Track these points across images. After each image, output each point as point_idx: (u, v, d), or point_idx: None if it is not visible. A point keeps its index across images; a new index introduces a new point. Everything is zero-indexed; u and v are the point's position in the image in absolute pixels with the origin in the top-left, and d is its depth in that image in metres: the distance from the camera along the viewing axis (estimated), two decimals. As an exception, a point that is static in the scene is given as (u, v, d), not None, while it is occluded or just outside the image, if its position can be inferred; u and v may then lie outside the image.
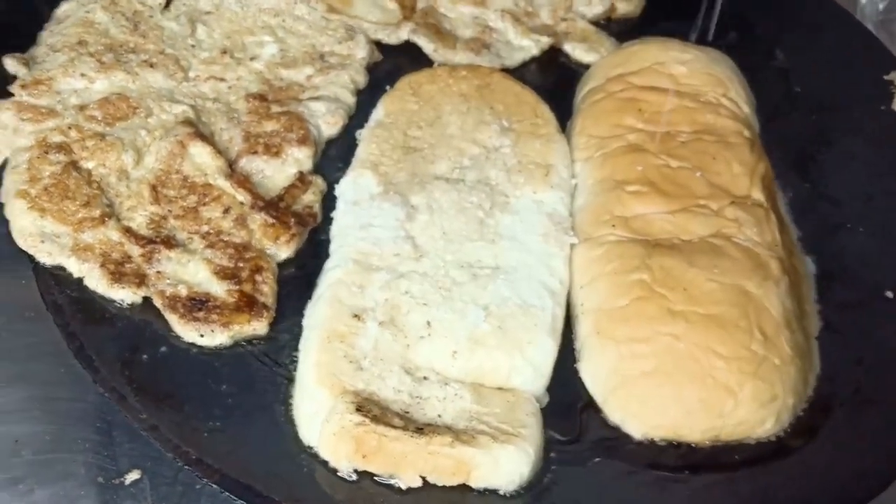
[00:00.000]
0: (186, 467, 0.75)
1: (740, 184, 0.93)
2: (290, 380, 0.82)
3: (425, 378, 0.79)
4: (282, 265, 0.90)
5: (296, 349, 0.84)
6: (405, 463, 0.72)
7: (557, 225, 0.91)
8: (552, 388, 0.82)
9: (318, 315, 0.82)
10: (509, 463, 0.73)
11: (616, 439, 0.81)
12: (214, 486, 0.74)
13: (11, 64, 0.99)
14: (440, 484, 0.74)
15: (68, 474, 0.85)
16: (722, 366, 0.80)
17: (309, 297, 0.87)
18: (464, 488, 0.74)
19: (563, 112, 1.05)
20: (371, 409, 0.74)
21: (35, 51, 1.02)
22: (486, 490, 0.74)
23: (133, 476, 0.84)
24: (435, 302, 0.83)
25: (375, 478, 0.75)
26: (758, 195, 0.92)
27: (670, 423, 0.81)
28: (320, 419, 0.75)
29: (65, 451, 0.86)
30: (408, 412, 0.76)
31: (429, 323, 0.81)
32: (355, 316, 0.81)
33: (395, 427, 0.73)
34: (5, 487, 0.84)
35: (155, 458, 0.85)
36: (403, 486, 0.74)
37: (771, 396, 0.81)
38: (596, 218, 0.91)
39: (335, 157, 1.01)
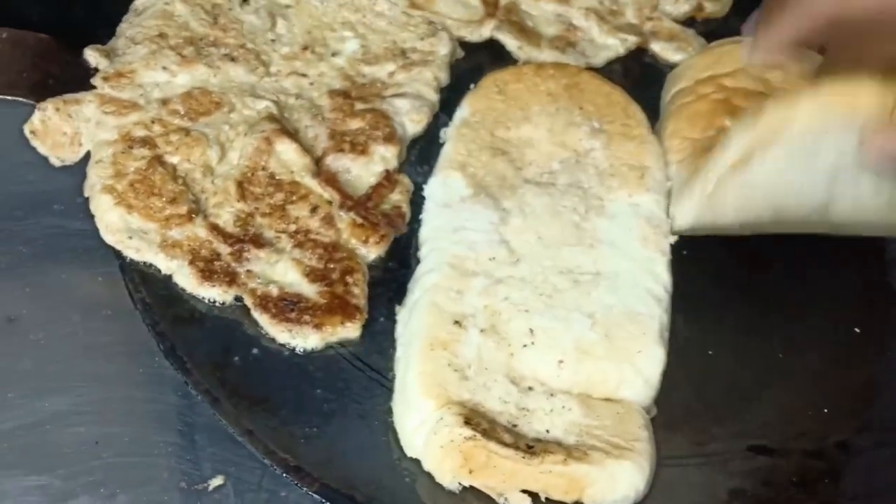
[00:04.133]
0: (285, 475, 0.72)
1: None
2: (385, 385, 0.79)
3: (531, 388, 0.76)
4: (368, 267, 0.88)
5: (387, 353, 0.81)
6: (515, 480, 0.69)
7: (656, 228, 0.88)
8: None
9: (416, 322, 0.79)
10: (626, 479, 0.70)
11: (725, 453, 0.78)
12: (314, 495, 0.71)
13: (93, 56, 0.97)
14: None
15: (150, 478, 0.82)
16: None
17: (398, 300, 0.85)
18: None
19: (650, 113, 1.02)
20: (480, 422, 0.71)
21: (115, 43, 0.99)
22: (597, 507, 0.72)
23: (217, 482, 0.82)
24: (537, 309, 0.80)
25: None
26: None
27: None
28: (424, 430, 0.72)
29: (145, 455, 0.84)
30: (515, 426, 0.73)
31: (531, 331, 0.78)
32: (456, 322, 0.78)
33: (505, 443, 0.70)
34: (88, 490, 0.81)
35: (238, 463, 0.82)
36: None
37: None
38: None
39: (418, 156, 0.98)
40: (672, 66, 1.08)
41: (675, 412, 0.79)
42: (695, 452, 0.77)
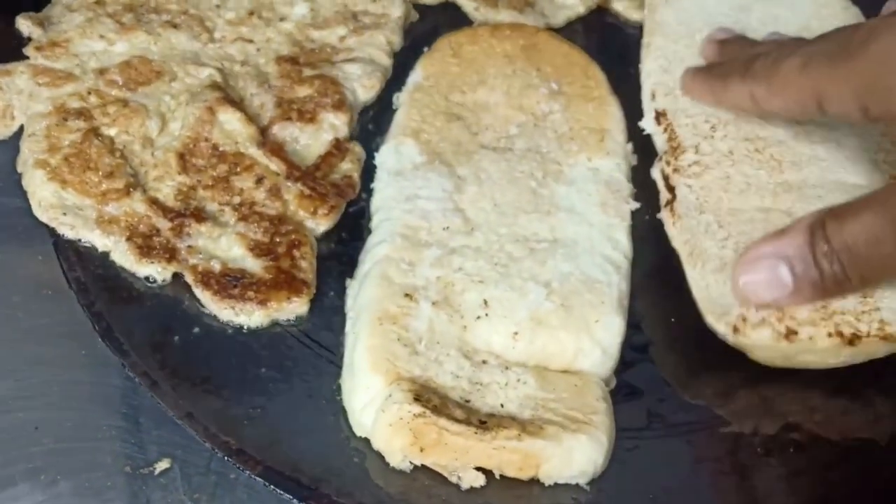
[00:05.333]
0: (227, 459, 0.69)
1: None
2: (334, 363, 0.76)
3: (484, 362, 0.73)
4: (318, 240, 0.84)
5: (337, 330, 0.78)
6: (468, 457, 0.66)
7: (616, 193, 0.85)
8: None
9: (366, 295, 0.76)
10: (583, 453, 0.67)
11: (689, 424, 0.75)
12: (257, 478, 0.68)
13: (25, 24, 0.93)
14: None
15: (93, 464, 0.79)
16: None
17: (349, 274, 0.81)
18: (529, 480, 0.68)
19: (611, 73, 0.98)
20: (430, 398, 0.68)
21: (50, 10, 0.95)
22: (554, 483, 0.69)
23: (163, 465, 0.78)
24: (491, 279, 0.76)
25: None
26: None
27: None
28: (374, 408, 0.69)
29: (89, 439, 0.80)
30: (468, 401, 0.70)
31: (486, 302, 0.75)
32: (407, 295, 0.75)
33: (456, 419, 0.67)
34: (27, 478, 0.78)
35: (185, 446, 0.79)
36: (464, 487, 0.68)
37: None
38: None
39: (371, 123, 0.95)
40: (634, 26, 1.05)
41: (635, 383, 0.77)
42: (656, 424, 0.75)
